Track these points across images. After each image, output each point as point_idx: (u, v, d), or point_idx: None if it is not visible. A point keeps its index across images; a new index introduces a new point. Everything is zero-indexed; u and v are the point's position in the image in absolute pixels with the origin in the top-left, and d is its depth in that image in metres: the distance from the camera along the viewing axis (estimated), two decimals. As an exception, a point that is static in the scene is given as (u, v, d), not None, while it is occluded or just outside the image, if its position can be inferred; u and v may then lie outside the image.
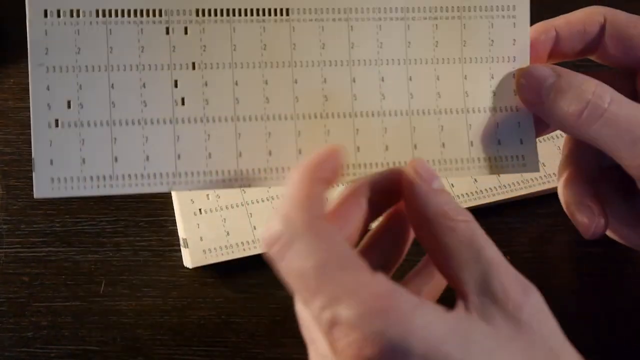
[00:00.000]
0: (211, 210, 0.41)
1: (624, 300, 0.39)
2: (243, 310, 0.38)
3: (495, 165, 0.33)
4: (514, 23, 0.34)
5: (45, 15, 0.30)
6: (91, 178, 0.30)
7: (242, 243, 0.40)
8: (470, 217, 0.27)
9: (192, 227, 0.40)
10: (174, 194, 0.42)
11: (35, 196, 0.29)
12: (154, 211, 0.42)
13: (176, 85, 0.31)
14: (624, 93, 0.31)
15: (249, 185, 0.31)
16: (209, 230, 0.40)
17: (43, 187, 0.29)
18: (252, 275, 0.40)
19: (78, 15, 0.30)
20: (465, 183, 0.43)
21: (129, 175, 0.30)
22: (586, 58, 0.36)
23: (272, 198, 0.42)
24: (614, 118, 0.30)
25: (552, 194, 0.43)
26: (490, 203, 0.42)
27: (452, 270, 0.26)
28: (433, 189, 0.27)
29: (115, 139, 0.30)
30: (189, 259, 0.39)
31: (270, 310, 0.38)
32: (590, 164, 0.35)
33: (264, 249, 0.26)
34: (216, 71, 0.31)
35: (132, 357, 0.36)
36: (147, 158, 0.30)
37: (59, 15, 0.30)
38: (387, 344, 0.22)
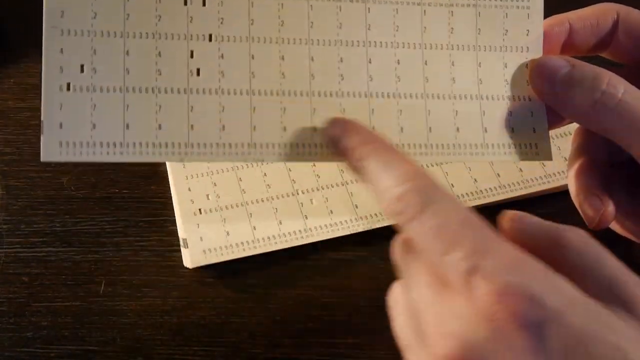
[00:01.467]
0: (211, 211, 0.41)
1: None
2: (243, 310, 0.38)
3: (509, 152, 0.33)
4: (528, 14, 0.34)
5: None
6: (101, 144, 0.29)
7: (242, 243, 0.40)
8: None
9: (192, 227, 0.40)
10: (173, 195, 0.42)
11: (42, 159, 0.28)
12: (154, 211, 0.42)
13: (192, 56, 0.31)
14: None
15: (262, 160, 0.31)
16: (209, 230, 0.40)
17: (51, 151, 0.29)
18: (252, 275, 0.40)
19: None
20: (465, 183, 0.43)
21: (140, 144, 0.29)
22: (597, 56, 0.36)
23: (272, 199, 0.42)
24: (627, 108, 0.30)
25: (552, 194, 0.43)
26: (490, 203, 0.42)
27: None
28: None
29: (127, 105, 0.30)
30: (189, 259, 0.39)
31: (270, 310, 0.38)
32: (601, 155, 0.35)
33: (394, 214, 0.26)
34: (233, 44, 0.31)
35: (132, 357, 0.36)
36: (159, 127, 0.30)
37: None
38: (526, 293, 0.22)
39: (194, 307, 0.38)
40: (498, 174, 0.43)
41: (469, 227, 0.24)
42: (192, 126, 0.30)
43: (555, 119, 0.34)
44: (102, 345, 0.37)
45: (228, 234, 0.40)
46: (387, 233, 0.40)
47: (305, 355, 0.37)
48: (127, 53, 0.30)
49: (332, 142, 0.30)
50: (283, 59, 0.31)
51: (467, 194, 0.42)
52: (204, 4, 0.31)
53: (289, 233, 0.40)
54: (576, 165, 0.36)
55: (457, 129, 0.33)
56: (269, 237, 0.40)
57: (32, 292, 0.39)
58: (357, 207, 0.41)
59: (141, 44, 0.30)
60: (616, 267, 0.25)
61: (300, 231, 0.41)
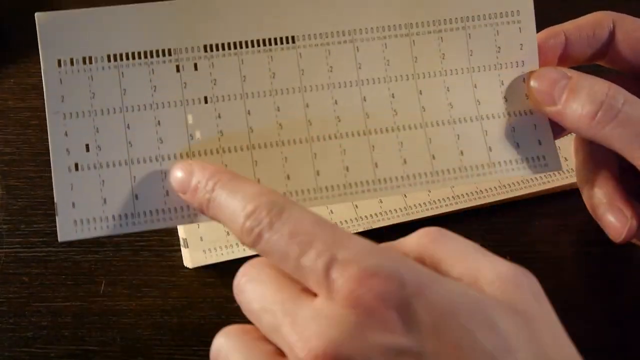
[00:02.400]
0: (211, 210, 0.41)
1: (624, 300, 0.39)
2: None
3: (518, 168, 0.33)
4: (520, 28, 0.34)
5: (59, 65, 0.31)
6: (113, 217, 0.30)
7: (242, 243, 0.40)
8: None
9: (192, 227, 0.40)
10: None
11: (60, 240, 0.30)
12: (154, 211, 0.42)
13: (190, 120, 0.31)
14: None
15: None
16: (209, 230, 0.40)
17: (67, 230, 0.30)
18: (252, 275, 0.40)
19: (90, 62, 0.31)
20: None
21: (151, 212, 0.30)
22: (594, 64, 0.36)
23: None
24: (627, 118, 0.30)
25: (552, 194, 0.43)
26: (490, 203, 0.42)
27: None
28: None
29: (134, 177, 0.31)
30: (189, 259, 0.39)
31: (270, 310, 0.38)
32: (611, 166, 0.35)
33: (247, 234, 0.25)
34: (228, 103, 0.32)
35: (132, 357, 0.36)
36: (167, 193, 0.31)
37: (72, 64, 0.31)
38: (386, 273, 0.22)
39: (194, 307, 0.38)
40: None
41: (321, 226, 0.24)
42: None
43: (558, 129, 0.34)
44: (102, 345, 0.37)
45: (228, 233, 0.40)
46: (387, 233, 0.40)
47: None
48: (128, 127, 0.31)
49: (178, 187, 0.30)
50: (279, 110, 0.32)
51: (467, 194, 0.42)
52: (195, 69, 0.32)
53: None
54: (588, 178, 0.35)
55: (461, 152, 0.33)
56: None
57: (32, 292, 0.39)
58: (357, 207, 0.41)
59: (140, 116, 0.31)
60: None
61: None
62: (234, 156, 0.31)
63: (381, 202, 0.41)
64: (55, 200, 0.30)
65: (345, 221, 0.41)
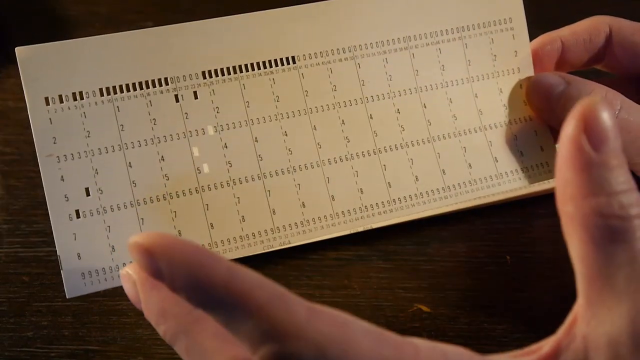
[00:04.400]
0: (211, 210, 0.41)
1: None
2: (243, 310, 0.38)
3: (524, 177, 0.33)
4: (513, 35, 0.34)
5: (47, 103, 0.28)
6: (124, 265, 0.28)
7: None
8: None
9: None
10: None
11: (68, 296, 0.27)
12: (154, 211, 0.42)
13: (196, 153, 0.29)
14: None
15: (289, 243, 0.30)
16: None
17: (75, 285, 0.27)
18: (252, 275, 0.40)
19: (82, 98, 0.28)
20: (465, 183, 0.43)
21: None
22: (592, 68, 0.36)
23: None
24: (625, 124, 0.30)
25: (552, 194, 0.43)
26: (491, 203, 0.42)
27: None
28: None
29: (142, 219, 0.28)
30: (189, 259, 0.39)
31: (270, 310, 0.38)
32: None
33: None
34: (233, 131, 0.30)
35: (133, 356, 0.36)
36: (179, 233, 0.29)
37: (61, 101, 0.28)
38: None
39: (194, 307, 0.38)
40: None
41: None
42: (211, 224, 0.29)
43: (558, 134, 0.34)
44: (103, 345, 0.37)
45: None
46: (387, 233, 0.40)
47: (305, 355, 0.37)
48: (130, 165, 0.28)
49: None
50: (286, 134, 0.31)
51: (467, 193, 0.42)
52: (195, 97, 0.30)
53: (289, 233, 0.40)
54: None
55: (469, 165, 0.33)
56: (269, 237, 0.40)
57: (32, 292, 0.39)
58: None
59: (141, 152, 0.29)
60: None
61: (300, 231, 0.40)
62: (246, 187, 0.30)
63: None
64: (57, 252, 0.28)
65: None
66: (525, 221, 0.42)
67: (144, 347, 0.37)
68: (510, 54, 0.34)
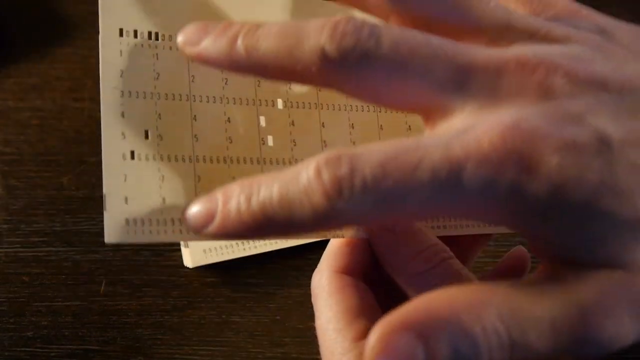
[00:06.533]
0: (211, 210, 0.41)
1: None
2: (243, 310, 0.38)
3: None
4: None
5: (121, 35, 0.26)
6: (172, 221, 0.25)
7: (242, 243, 0.40)
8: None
9: (192, 227, 0.40)
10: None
11: (106, 241, 0.24)
12: (154, 211, 0.42)
13: (263, 123, 0.28)
14: None
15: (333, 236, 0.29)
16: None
17: (117, 230, 0.24)
18: (252, 275, 0.40)
19: (157, 39, 0.27)
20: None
21: None
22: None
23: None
24: None
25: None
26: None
27: None
28: None
29: (199, 177, 0.26)
30: (189, 259, 0.39)
31: (270, 310, 0.38)
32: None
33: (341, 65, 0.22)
34: (302, 111, 0.29)
35: (132, 356, 0.37)
36: None
37: (135, 36, 0.27)
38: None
39: (194, 306, 0.38)
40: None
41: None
42: None
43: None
44: (103, 345, 0.37)
45: (228, 233, 0.40)
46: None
47: (305, 354, 0.37)
48: (195, 118, 0.27)
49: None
50: (353, 127, 0.30)
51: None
52: None
53: (289, 233, 0.40)
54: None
55: None
56: (269, 237, 0.40)
57: (32, 292, 0.39)
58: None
59: (209, 108, 0.27)
60: None
61: (300, 231, 0.40)
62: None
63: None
64: (104, 191, 0.24)
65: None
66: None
67: (144, 347, 0.37)
68: None
